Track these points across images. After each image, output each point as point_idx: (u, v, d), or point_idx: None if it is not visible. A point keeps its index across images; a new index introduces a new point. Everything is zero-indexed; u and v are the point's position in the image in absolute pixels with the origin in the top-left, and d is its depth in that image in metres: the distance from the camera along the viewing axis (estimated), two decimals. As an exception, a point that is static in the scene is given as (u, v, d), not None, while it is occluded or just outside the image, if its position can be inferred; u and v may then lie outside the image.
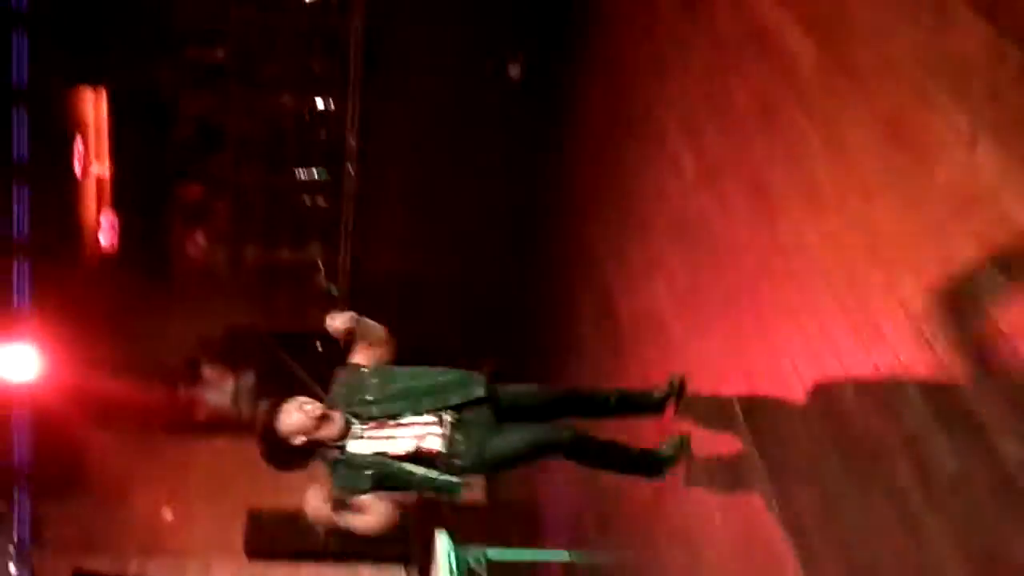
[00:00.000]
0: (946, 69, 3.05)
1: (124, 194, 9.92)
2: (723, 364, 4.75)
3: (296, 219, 10.39)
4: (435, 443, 4.28)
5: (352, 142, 9.77)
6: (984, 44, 2.85)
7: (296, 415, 4.28)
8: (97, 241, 9.70)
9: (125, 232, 9.87)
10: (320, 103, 10.04)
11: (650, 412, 4.99)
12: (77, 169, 9.07)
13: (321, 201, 10.29)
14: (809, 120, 4.02)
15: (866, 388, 3.40)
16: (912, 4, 3.26)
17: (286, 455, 4.34)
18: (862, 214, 3.50)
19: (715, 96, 5.19)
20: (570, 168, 8.53)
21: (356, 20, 9.38)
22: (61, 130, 9.04)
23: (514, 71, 9.30)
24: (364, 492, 4.25)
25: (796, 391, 3.93)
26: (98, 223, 9.70)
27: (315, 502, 4.25)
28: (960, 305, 2.92)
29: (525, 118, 9.45)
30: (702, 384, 4.91)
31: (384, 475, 4.26)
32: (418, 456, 4.27)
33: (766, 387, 4.26)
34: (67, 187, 9.13)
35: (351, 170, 9.83)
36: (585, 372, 7.51)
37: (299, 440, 4.29)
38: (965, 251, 2.89)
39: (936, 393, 2.99)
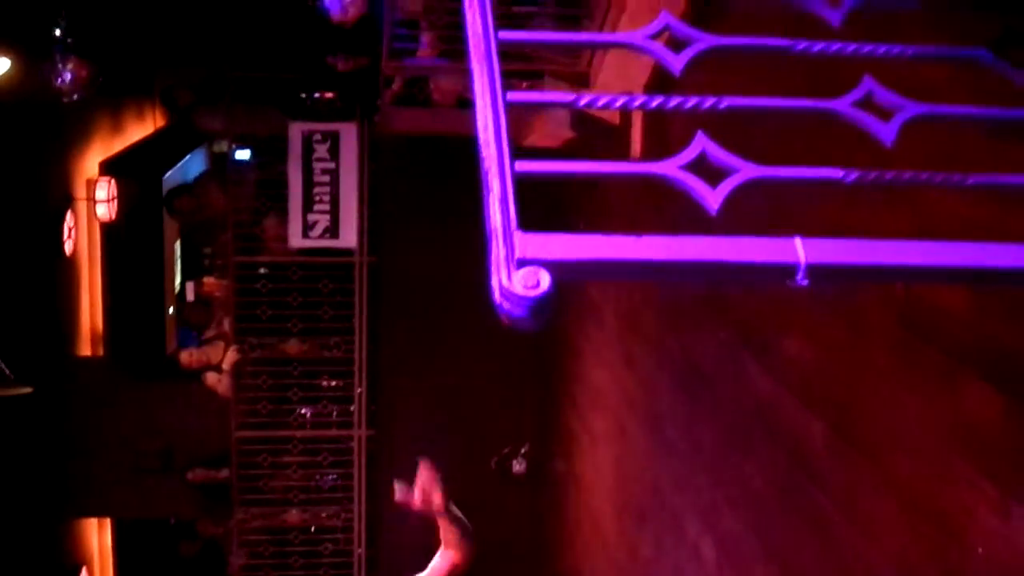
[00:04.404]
0: (962, 437, 3.04)
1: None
2: None
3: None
4: None
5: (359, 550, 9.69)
6: (1000, 411, 2.85)
7: None
8: None
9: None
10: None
11: None
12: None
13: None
14: (828, 497, 3.96)
15: None
16: (918, 375, 3.30)
17: None
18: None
19: (729, 478, 5.15)
20: (583, 566, 8.34)
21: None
22: (64, 562, 8.86)
23: (518, 466, 9.31)
24: None
25: None
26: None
27: None
28: None
29: (528, 512, 9.39)
30: None
31: None
32: None
33: None
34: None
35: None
36: None
37: None
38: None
39: None
